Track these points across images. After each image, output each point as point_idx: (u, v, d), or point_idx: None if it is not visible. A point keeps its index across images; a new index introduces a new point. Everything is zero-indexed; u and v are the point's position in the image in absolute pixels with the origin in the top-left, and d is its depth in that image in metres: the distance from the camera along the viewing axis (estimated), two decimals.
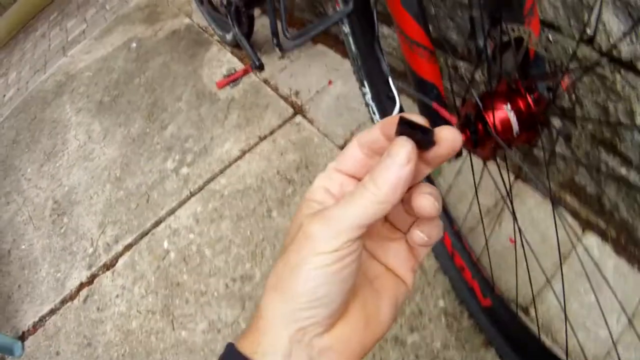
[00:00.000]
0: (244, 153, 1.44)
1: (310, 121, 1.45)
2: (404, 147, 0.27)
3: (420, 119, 0.28)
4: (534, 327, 0.90)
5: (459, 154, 0.63)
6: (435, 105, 0.66)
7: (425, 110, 0.73)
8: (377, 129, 0.30)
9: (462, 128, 0.64)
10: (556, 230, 0.64)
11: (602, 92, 0.85)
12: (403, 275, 0.35)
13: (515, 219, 0.72)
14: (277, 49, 1.15)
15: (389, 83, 0.86)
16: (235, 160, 1.43)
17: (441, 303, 1.09)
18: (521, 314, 1.02)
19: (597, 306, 0.65)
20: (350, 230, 0.28)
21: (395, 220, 0.36)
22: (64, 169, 1.79)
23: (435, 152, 0.28)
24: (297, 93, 1.56)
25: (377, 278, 0.34)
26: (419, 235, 0.32)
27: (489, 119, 0.60)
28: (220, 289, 1.25)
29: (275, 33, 1.19)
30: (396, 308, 0.34)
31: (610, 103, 0.85)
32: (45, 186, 1.79)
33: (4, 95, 2.79)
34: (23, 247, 1.73)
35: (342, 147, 1.37)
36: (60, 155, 1.85)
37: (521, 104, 0.58)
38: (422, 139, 0.27)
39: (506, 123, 0.59)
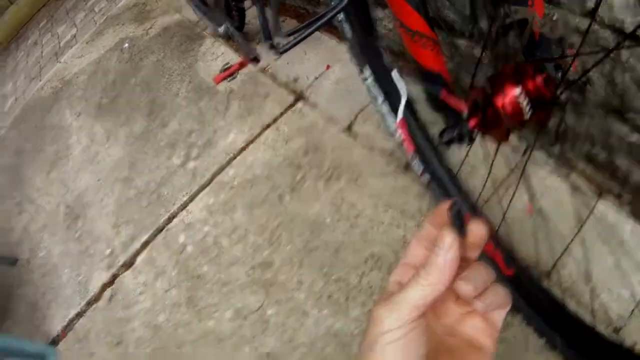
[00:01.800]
0: (248, 143, 1.37)
1: (313, 106, 1.38)
2: (447, 236, 0.32)
3: (463, 210, 0.32)
4: (557, 293, 0.87)
5: (471, 140, 0.62)
6: (443, 94, 0.65)
7: (433, 100, 0.73)
8: (427, 224, 0.37)
9: (471, 113, 0.62)
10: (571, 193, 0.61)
11: (608, 64, 0.82)
12: (482, 343, 0.37)
13: (528, 188, 0.68)
14: (271, 52, 1.06)
15: (389, 71, 0.81)
16: (241, 150, 1.36)
17: None
18: (544, 281, 1.00)
19: (617, 269, 0.63)
20: (408, 312, 0.32)
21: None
22: (71, 174, 1.71)
23: (466, 241, 0.34)
24: (295, 80, 1.47)
25: (457, 349, 0.37)
26: (480, 305, 0.34)
27: (499, 103, 0.57)
28: (242, 277, 1.20)
29: (267, 35, 1.08)
30: None
31: (617, 75, 0.81)
32: (55, 192, 1.71)
33: (3, 107, 2.67)
34: (41, 255, 1.66)
35: (346, 130, 1.30)
36: (65, 160, 1.77)
37: (530, 86, 0.56)
38: (458, 231, 0.32)
39: (516, 106, 0.57)
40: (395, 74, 0.77)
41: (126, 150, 1.60)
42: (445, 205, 0.34)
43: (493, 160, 0.76)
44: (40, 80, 2.40)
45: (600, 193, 0.93)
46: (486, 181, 0.95)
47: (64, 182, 1.72)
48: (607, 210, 1.04)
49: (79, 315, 1.44)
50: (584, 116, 0.96)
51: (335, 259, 1.13)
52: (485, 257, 0.94)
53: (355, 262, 1.12)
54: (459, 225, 0.32)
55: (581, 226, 1.03)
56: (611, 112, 0.90)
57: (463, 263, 0.34)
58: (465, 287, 0.32)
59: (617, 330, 0.93)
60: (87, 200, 1.59)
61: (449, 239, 0.31)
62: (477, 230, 0.33)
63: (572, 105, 0.95)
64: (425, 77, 0.70)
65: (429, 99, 0.75)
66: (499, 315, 0.37)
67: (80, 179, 1.67)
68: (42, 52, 2.80)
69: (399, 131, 0.87)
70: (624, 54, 0.77)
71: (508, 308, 0.37)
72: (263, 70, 1.53)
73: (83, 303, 1.44)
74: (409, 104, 0.86)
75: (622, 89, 0.83)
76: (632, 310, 0.94)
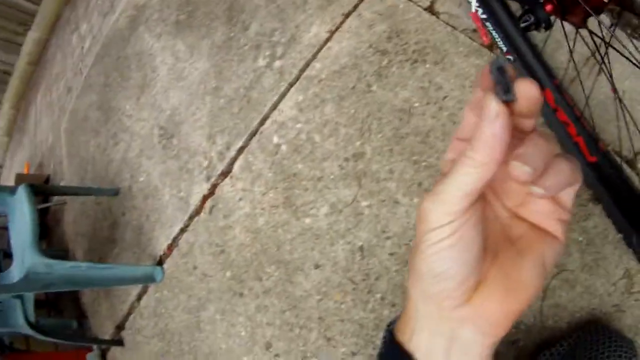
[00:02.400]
0: (332, 33, 1.58)
1: None
2: (490, 104, 0.30)
3: (507, 68, 0.31)
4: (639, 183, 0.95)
5: (548, 26, 0.68)
6: None
7: None
8: (477, 88, 0.34)
9: None
10: None
11: None
12: (551, 228, 0.36)
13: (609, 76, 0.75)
14: None
15: None
16: (325, 42, 1.59)
17: None
18: (627, 168, 1.08)
19: None
20: (457, 202, 0.31)
21: None
22: (160, 95, 2.09)
23: (517, 108, 0.31)
24: None
25: (521, 238, 0.37)
26: (539, 191, 0.32)
27: None
28: (335, 171, 1.46)
29: None
30: (544, 267, 0.35)
31: None
32: (147, 116, 2.12)
33: (82, 48, 3.20)
34: (141, 179, 2.09)
35: (428, 9, 1.46)
36: (153, 83, 2.16)
37: None
38: (503, 95, 0.30)
39: None
40: None
41: (211, 61, 1.92)
42: (487, 67, 0.32)
43: (572, 48, 0.85)
44: (114, 14, 2.84)
45: None
46: (569, 62, 1.06)
47: (154, 104, 2.11)
48: None
49: (183, 230, 1.84)
50: None
51: (425, 145, 1.33)
52: (569, 142, 1.06)
53: (444, 147, 1.30)
54: (507, 88, 0.30)
55: None
56: None
57: (519, 134, 0.33)
58: (520, 170, 0.30)
59: None
60: (180, 118, 1.96)
61: (493, 106, 0.30)
62: (528, 92, 0.30)
63: None
64: None
65: None
66: (568, 195, 0.36)
67: (170, 98, 2.04)
68: None
69: (475, 23, 1.01)
70: None
71: (578, 185, 0.35)
72: None
73: (185, 218, 1.83)
74: None
75: None
76: None
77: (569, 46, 0.83)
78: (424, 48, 1.42)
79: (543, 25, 0.68)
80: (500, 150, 0.30)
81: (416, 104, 1.38)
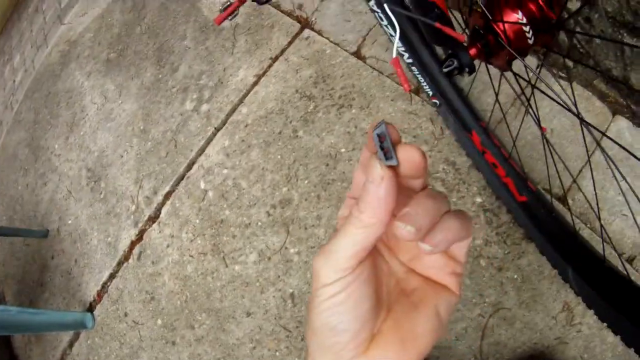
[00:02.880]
0: (259, 78, 1.57)
1: (319, 33, 1.55)
2: (374, 168, 0.30)
3: (388, 133, 0.31)
4: (570, 220, 0.97)
5: (472, 70, 0.67)
6: (438, 25, 0.66)
7: (430, 31, 0.74)
8: (365, 148, 0.35)
9: (472, 42, 0.68)
10: (580, 123, 0.67)
11: None
12: (445, 282, 0.37)
13: (535, 116, 0.77)
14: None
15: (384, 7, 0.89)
16: (252, 86, 1.58)
17: (478, 199, 1.21)
18: (558, 205, 1.10)
19: (633, 193, 0.71)
20: (345, 260, 0.32)
21: None
22: (89, 136, 2.02)
23: (402, 171, 0.32)
24: (300, 6, 1.65)
25: (415, 291, 0.37)
26: (426, 247, 0.32)
27: (500, 30, 0.62)
28: (263, 218, 1.43)
29: None
30: (439, 319, 0.36)
31: None
32: (76, 157, 2.04)
33: (14, 81, 3.07)
34: (69, 222, 2.00)
35: (355, 54, 1.48)
36: (82, 123, 2.08)
37: (533, 8, 0.60)
38: (385, 159, 0.31)
39: (519, 32, 0.61)
40: (388, 7, 0.79)
41: (139, 102, 1.88)
42: (370, 129, 0.32)
43: (498, 91, 0.86)
44: (47, 47, 2.75)
45: (615, 112, 1.00)
46: (495, 105, 1.09)
47: (82, 145, 2.04)
48: (622, 130, 1.14)
49: (112, 276, 1.76)
50: (595, 30, 1.03)
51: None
52: (498, 183, 1.09)
53: None
54: (389, 153, 0.31)
55: (595, 147, 1.13)
56: (623, 26, 0.96)
57: (409, 192, 0.34)
58: (404, 230, 0.30)
59: (630, 259, 1.05)
60: (107, 160, 1.89)
61: (377, 171, 0.30)
62: (410, 156, 0.31)
63: (581, 21, 1.01)
64: (419, 6, 0.74)
65: (425, 31, 0.79)
66: (460, 249, 0.37)
67: (98, 139, 1.97)
68: (44, 18, 3.16)
69: (395, 70, 1.01)
70: None
71: (469, 239, 0.36)
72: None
73: (114, 264, 1.76)
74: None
75: (635, 4, 0.89)
76: None
77: (494, 89, 0.83)
78: (350, 93, 1.43)
79: (466, 70, 0.68)
80: (385, 211, 0.30)
81: (342, 150, 1.38)
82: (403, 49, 1.05)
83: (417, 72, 1.08)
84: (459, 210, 0.34)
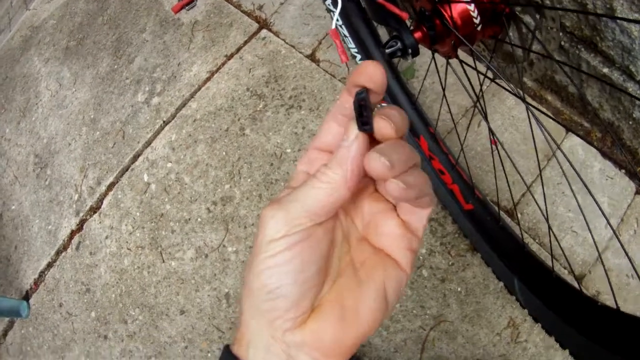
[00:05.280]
0: (212, 74, 1.55)
1: (276, 34, 1.55)
2: (351, 129, 0.30)
3: (368, 103, 0.30)
4: (519, 232, 0.95)
5: (415, 53, 0.65)
6: (381, 0, 0.66)
7: (373, 7, 0.73)
8: (344, 93, 0.34)
9: (417, 24, 0.65)
10: (533, 136, 0.66)
11: None
12: (397, 257, 0.34)
13: (487, 121, 0.76)
14: None
15: None
16: (204, 82, 1.55)
17: None
18: (506, 218, 1.10)
19: (584, 210, 0.70)
20: (302, 213, 0.30)
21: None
22: (40, 122, 1.95)
23: (375, 93, 0.30)
24: (260, 7, 1.64)
25: (364, 264, 0.34)
26: (394, 186, 0.29)
27: (447, 12, 0.60)
28: (203, 214, 1.39)
29: None
30: (384, 301, 0.33)
31: None
32: (25, 142, 1.97)
33: None
34: (13, 207, 1.92)
35: (310, 57, 1.46)
36: (35, 108, 2.01)
37: None
38: (362, 125, 0.30)
39: (466, 16, 0.59)
40: None
41: (93, 91, 1.82)
42: (350, 91, 0.31)
43: (444, 88, 0.85)
44: (10, 31, 2.67)
45: (569, 129, 1.00)
46: (440, 107, 1.08)
47: (33, 130, 1.97)
48: (576, 147, 1.15)
49: (50, 265, 1.69)
50: (544, 39, 1.05)
51: None
52: (444, 190, 1.06)
53: None
54: (366, 120, 0.30)
55: (547, 162, 1.14)
56: (581, 41, 0.97)
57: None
58: (378, 161, 0.27)
59: (580, 277, 1.04)
60: (55, 147, 1.83)
61: (352, 131, 0.29)
62: (383, 128, 0.29)
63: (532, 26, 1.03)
64: None
65: (370, 8, 0.79)
66: (420, 220, 0.35)
67: (49, 126, 1.91)
68: (11, 2, 3.08)
69: (334, 41, 1.00)
70: None
71: (430, 210, 0.34)
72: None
73: (53, 252, 1.69)
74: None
75: (594, 19, 0.89)
76: (598, 257, 1.03)
77: (440, 80, 0.80)
78: (300, 94, 1.41)
79: (410, 52, 0.65)
80: (352, 171, 0.29)
81: (288, 150, 1.36)
82: (353, 43, 1.02)
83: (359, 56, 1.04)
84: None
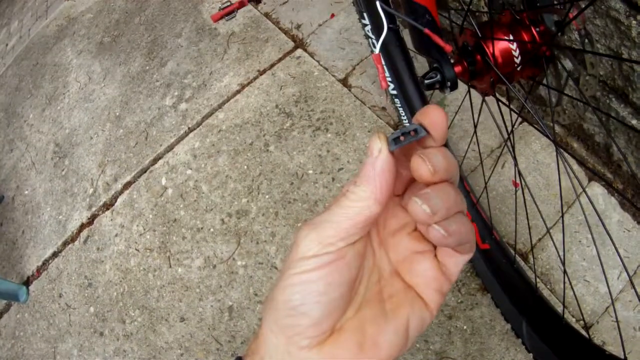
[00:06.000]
0: (243, 87, 1.56)
1: (311, 55, 1.55)
2: (374, 141, 0.30)
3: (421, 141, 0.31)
4: (532, 276, 0.95)
5: (454, 86, 0.66)
6: (427, 31, 0.66)
7: (417, 37, 0.74)
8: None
9: (458, 58, 0.66)
10: (559, 176, 0.66)
11: (616, 37, 0.88)
12: (426, 296, 0.34)
13: (515, 160, 0.77)
14: None
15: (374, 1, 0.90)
16: (234, 94, 1.55)
17: None
18: (520, 261, 1.08)
19: (598, 259, 0.70)
20: (334, 233, 0.30)
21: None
22: (65, 112, 1.96)
23: (432, 139, 0.30)
24: (298, 26, 1.65)
25: (392, 297, 0.34)
26: (435, 232, 0.29)
27: (489, 49, 0.61)
28: (217, 225, 1.39)
29: None
30: (405, 336, 0.33)
31: (624, 49, 0.88)
32: (47, 130, 1.98)
33: (7, 45, 3.00)
34: (26, 192, 1.92)
35: (342, 81, 1.47)
36: (61, 98, 2.03)
37: (525, 36, 0.59)
38: (414, 135, 0.30)
39: (507, 55, 0.60)
40: (379, 4, 0.79)
41: (121, 89, 1.84)
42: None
43: (475, 125, 0.85)
44: (46, 19, 2.70)
45: (592, 178, 1.00)
46: (469, 144, 1.08)
47: (57, 119, 1.98)
48: (597, 196, 1.14)
49: (55, 255, 1.69)
50: (580, 86, 1.05)
51: (312, 214, 1.30)
52: None
53: None
54: (403, 144, 0.30)
55: (567, 209, 1.14)
56: (613, 91, 0.98)
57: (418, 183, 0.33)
58: (419, 207, 0.27)
59: (587, 326, 1.03)
60: (77, 139, 1.83)
61: (376, 144, 0.29)
62: (419, 169, 0.29)
63: (570, 72, 1.04)
64: (411, 10, 0.72)
65: (412, 36, 0.79)
66: (456, 265, 0.34)
67: (73, 117, 1.92)
68: None
69: (376, 66, 1.00)
70: (634, 28, 0.81)
71: (470, 255, 0.34)
72: (267, 15, 1.72)
73: (60, 243, 1.68)
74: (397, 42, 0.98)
75: (628, 69, 0.90)
76: (607, 308, 1.03)
77: (473, 118, 0.81)
78: (328, 117, 1.41)
79: (448, 85, 0.66)
80: (380, 188, 0.29)
81: (310, 171, 1.36)
82: (393, 85, 1.03)
83: (399, 105, 1.06)
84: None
